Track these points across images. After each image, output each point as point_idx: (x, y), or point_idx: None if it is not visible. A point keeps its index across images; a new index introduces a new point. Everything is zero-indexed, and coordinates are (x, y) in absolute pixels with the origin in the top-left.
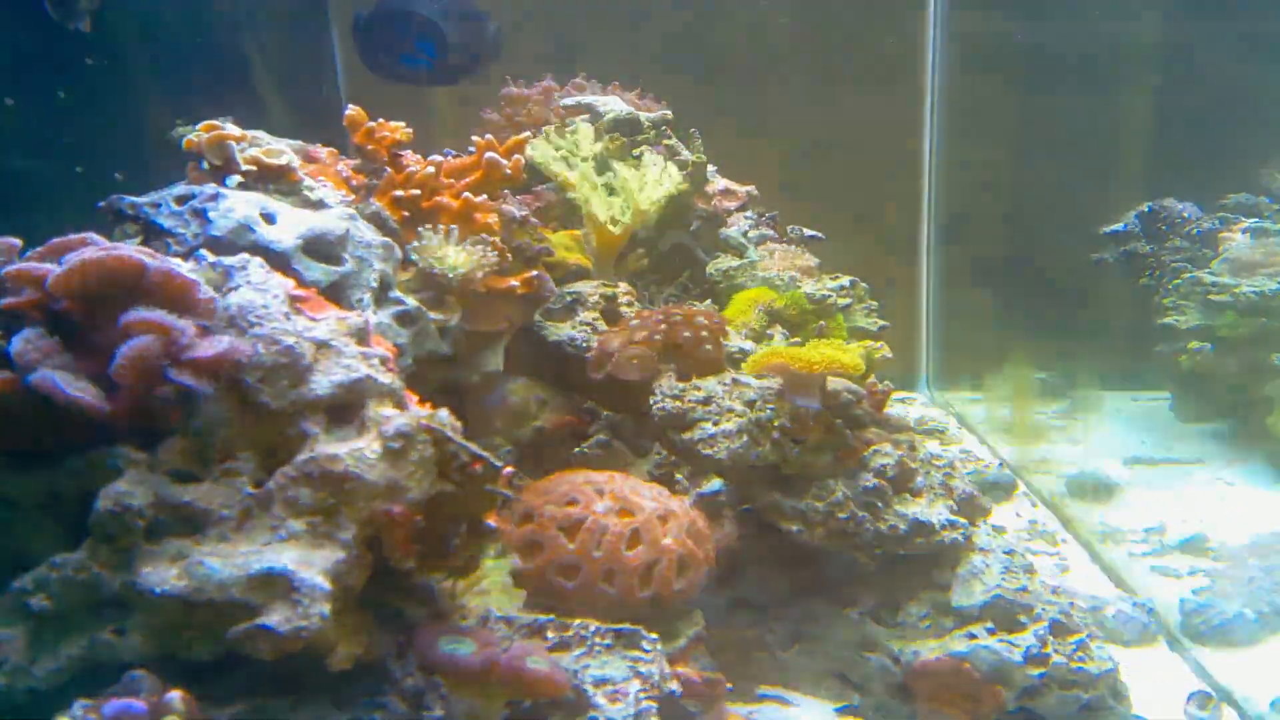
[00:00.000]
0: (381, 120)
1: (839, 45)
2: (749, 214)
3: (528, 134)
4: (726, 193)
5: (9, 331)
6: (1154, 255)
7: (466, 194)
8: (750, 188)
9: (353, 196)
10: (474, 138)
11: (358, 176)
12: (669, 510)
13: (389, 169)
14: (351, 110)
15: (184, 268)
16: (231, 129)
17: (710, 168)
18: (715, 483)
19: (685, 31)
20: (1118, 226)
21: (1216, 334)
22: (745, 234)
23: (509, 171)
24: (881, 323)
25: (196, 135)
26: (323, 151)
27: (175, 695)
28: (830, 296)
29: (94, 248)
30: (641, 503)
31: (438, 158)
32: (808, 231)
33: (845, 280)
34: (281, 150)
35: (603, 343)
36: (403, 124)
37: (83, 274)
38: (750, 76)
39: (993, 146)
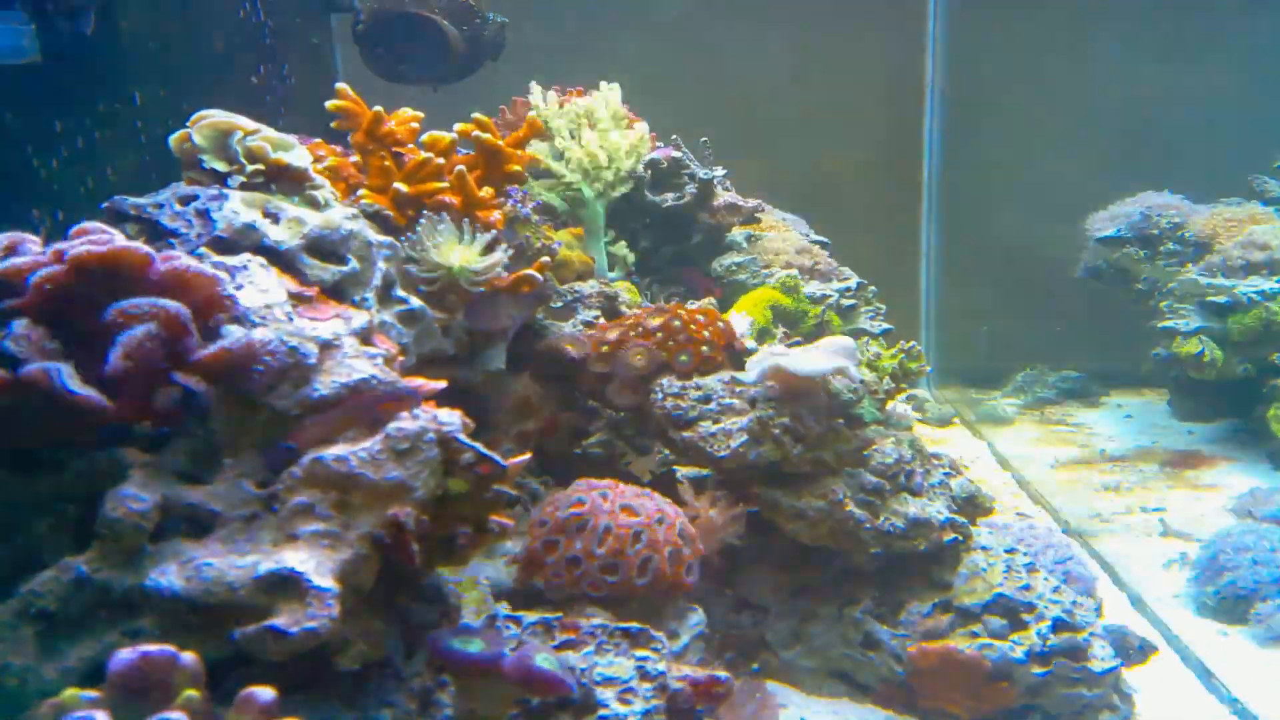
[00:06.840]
0: (380, 109)
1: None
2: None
3: (535, 113)
4: (731, 207)
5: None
6: (1148, 260)
7: (462, 172)
8: (757, 201)
9: (353, 196)
10: (457, 127)
11: (357, 175)
12: (664, 512)
13: (378, 162)
14: (342, 102)
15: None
16: (243, 121)
17: (720, 171)
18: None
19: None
20: (1110, 232)
21: (1223, 336)
22: (749, 238)
23: (517, 167)
24: (885, 325)
25: (186, 132)
26: (323, 150)
27: (190, 657)
28: (831, 296)
29: (92, 236)
30: (641, 505)
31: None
32: (814, 236)
33: (853, 282)
34: (290, 143)
35: (601, 331)
36: (414, 113)
37: (78, 268)
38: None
39: (994, 142)
